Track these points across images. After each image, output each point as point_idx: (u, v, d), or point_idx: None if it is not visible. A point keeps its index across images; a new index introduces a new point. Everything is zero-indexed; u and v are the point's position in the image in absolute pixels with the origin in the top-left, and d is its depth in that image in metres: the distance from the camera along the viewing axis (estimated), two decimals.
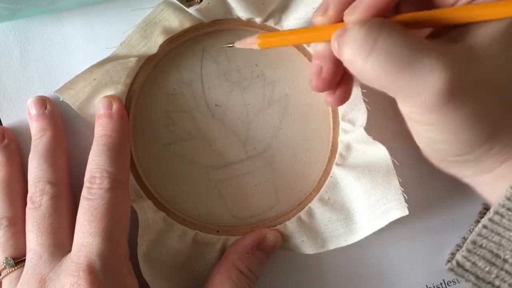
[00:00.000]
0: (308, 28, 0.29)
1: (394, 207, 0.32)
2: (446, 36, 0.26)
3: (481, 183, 0.29)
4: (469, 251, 0.29)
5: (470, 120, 0.25)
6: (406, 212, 0.32)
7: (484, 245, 0.28)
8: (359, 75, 0.26)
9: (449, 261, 0.31)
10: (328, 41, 0.27)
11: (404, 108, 0.27)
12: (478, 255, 0.29)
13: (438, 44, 0.25)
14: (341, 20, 0.27)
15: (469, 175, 0.29)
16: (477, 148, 0.26)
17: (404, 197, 0.32)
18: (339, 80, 0.29)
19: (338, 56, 0.27)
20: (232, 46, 0.30)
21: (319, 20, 0.28)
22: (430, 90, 0.24)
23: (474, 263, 0.29)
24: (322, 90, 0.29)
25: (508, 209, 0.27)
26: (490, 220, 0.28)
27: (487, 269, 0.29)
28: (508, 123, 0.26)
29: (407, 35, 0.25)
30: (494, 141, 0.26)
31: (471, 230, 0.30)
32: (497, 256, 0.28)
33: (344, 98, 0.30)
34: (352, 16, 0.26)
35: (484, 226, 0.28)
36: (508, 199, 0.26)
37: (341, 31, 0.26)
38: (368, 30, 0.25)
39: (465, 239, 0.29)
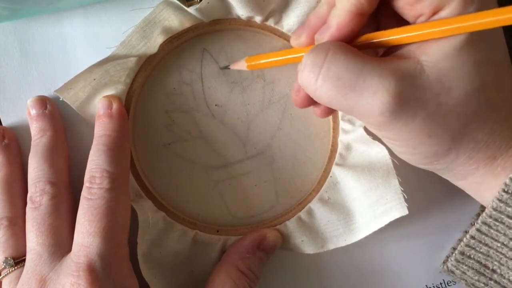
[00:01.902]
0: (286, 50, 0.31)
1: (394, 207, 0.32)
2: (400, 50, 0.27)
3: (465, 188, 0.30)
4: (457, 261, 0.29)
5: (423, 134, 0.26)
6: (406, 212, 0.32)
7: (472, 256, 0.29)
8: (314, 98, 0.27)
9: (444, 262, 0.31)
10: None
11: (366, 125, 0.28)
12: (466, 265, 0.29)
13: (386, 62, 0.26)
14: (313, 43, 0.29)
15: (450, 180, 0.30)
16: (441, 158, 0.27)
17: (404, 197, 0.32)
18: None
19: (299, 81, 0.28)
20: (228, 67, 0.34)
21: (294, 44, 0.30)
22: (375, 110, 0.25)
23: (463, 272, 0.29)
24: (303, 106, 0.31)
25: (495, 219, 0.27)
26: (478, 230, 0.28)
27: (476, 278, 0.29)
28: (469, 134, 0.26)
29: (353, 57, 0.26)
30: (458, 152, 0.27)
31: (467, 231, 0.30)
32: (485, 266, 0.29)
33: (328, 111, 0.31)
34: (321, 40, 0.27)
35: (472, 237, 0.28)
36: (495, 209, 0.27)
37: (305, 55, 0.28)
38: (315, 55, 0.26)
39: (460, 241, 0.30)
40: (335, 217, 0.33)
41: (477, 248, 0.29)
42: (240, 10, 0.33)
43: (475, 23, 0.24)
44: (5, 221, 0.31)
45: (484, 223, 0.28)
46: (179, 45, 0.34)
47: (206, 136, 0.34)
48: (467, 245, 0.29)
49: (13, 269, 0.30)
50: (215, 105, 0.35)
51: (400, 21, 0.27)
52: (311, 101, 0.30)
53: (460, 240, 0.30)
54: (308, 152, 0.35)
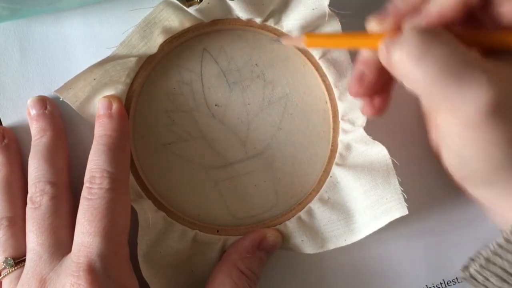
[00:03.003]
0: (358, 33, 0.28)
1: (394, 207, 0.32)
2: (497, 57, 0.26)
3: (501, 206, 0.29)
4: (482, 266, 0.29)
5: (507, 140, 0.25)
6: (406, 212, 0.32)
7: (497, 263, 0.28)
8: (405, 79, 0.26)
9: (464, 269, 0.31)
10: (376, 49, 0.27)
11: (444, 119, 0.27)
12: (490, 271, 0.29)
13: (488, 62, 0.25)
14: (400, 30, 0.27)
15: (490, 197, 0.29)
16: (507, 169, 0.26)
17: (404, 196, 0.32)
18: (379, 89, 0.29)
19: (384, 61, 0.26)
20: (278, 41, 0.31)
21: (375, 28, 0.28)
22: (474, 104, 0.24)
23: (486, 278, 0.29)
24: (361, 96, 0.29)
25: None
26: (506, 240, 0.27)
27: (498, 284, 0.29)
28: None
29: (460, 47, 0.24)
30: None
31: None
32: (510, 274, 0.28)
33: (382, 107, 0.30)
34: (413, 24, 0.26)
35: (500, 245, 0.28)
36: None
37: (392, 38, 0.26)
38: (423, 35, 0.25)
39: (479, 253, 0.29)
40: (335, 217, 0.33)
41: (503, 256, 0.28)
42: (240, 13, 0.33)
43: None
44: (5, 221, 0.31)
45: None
46: (179, 45, 0.34)
47: (206, 136, 0.34)
48: (494, 253, 0.28)
49: (13, 269, 0.30)
50: (215, 105, 0.35)
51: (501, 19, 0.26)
52: (370, 92, 0.28)
53: (486, 246, 0.29)
54: (308, 152, 0.35)
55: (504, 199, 0.28)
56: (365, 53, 0.28)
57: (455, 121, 0.26)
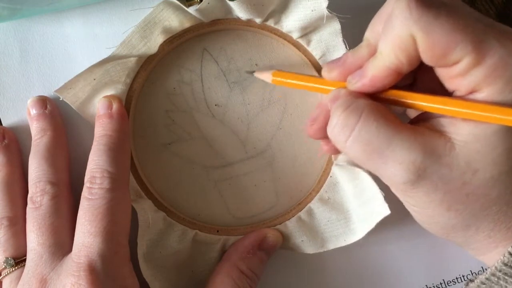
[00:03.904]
0: (316, 78, 0.30)
1: (376, 209, 0.32)
2: (432, 121, 0.27)
3: (488, 264, 0.29)
4: None
5: (443, 207, 0.26)
6: (388, 212, 0.31)
7: None
8: (342, 152, 0.28)
9: None
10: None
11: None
12: None
13: (417, 134, 0.26)
14: (344, 80, 0.29)
15: (472, 254, 0.29)
16: (459, 232, 0.27)
17: (383, 195, 0.31)
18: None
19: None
20: (252, 73, 0.33)
21: (325, 76, 0.30)
22: (398, 178, 0.26)
23: None
24: (316, 138, 0.31)
25: (505, 274, 0.27)
26: (487, 279, 0.28)
27: None
28: (491, 215, 0.26)
29: (385, 124, 0.26)
30: (477, 229, 0.27)
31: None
32: None
33: (337, 151, 0.31)
34: (353, 85, 0.27)
35: (482, 282, 0.28)
36: (505, 264, 0.27)
37: (335, 96, 0.28)
38: (347, 115, 0.26)
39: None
40: (335, 217, 0.33)
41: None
42: (240, 13, 0.33)
43: (510, 118, 0.23)
44: (6, 221, 0.31)
45: (493, 274, 0.27)
46: (179, 45, 0.34)
47: (206, 136, 0.34)
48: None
49: (13, 269, 0.30)
50: (215, 105, 0.35)
51: (435, 80, 0.26)
52: (323, 135, 0.30)
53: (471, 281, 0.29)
54: (308, 152, 0.35)
55: (472, 246, 0.28)
56: (323, 97, 0.30)
57: (392, 189, 0.27)
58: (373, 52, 0.27)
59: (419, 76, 0.29)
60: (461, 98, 0.25)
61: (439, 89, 0.26)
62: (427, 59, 0.25)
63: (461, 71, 0.24)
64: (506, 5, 0.40)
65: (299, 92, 0.35)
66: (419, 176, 0.25)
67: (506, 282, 0.27)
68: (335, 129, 0.27)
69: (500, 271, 0.27)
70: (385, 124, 0.26)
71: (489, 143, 0.25)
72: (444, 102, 0.25)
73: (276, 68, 0.32)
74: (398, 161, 0.25)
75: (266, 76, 0.32)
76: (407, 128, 0.26)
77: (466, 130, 0.25)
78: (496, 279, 0.27)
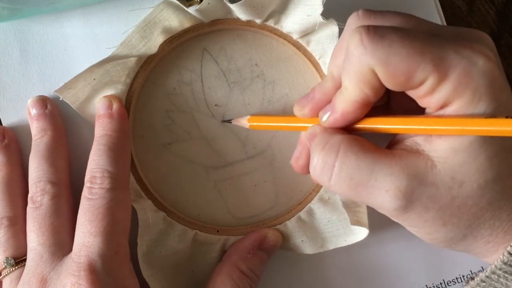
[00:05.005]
0: (291, 118, 0.31)
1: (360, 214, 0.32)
2: (408, 141, 0.27)
3: (472, 253, 0.29)
4: None
5: (438, 224, 0.26)
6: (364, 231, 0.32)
7: None
8: (330, 190, 0.28)
9: None
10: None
11: None
12: None
13: (396, 159, 0.26)
14: (317, 116, 0.29)
15: (460, 250, 0.29)
16: (459, 242, 0.27)
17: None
18: None
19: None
20: (230, 122, 0.34)
21: (297, 114, 0.30)
22: (388, 206, 0.26)
23: None
24: (304, 173, 0.31)
25: (505, 272, 0.27)
26: (487, 277, 0.28)
27: None
28: (486, 222, 0.26)
29: (364, 154, 0.26)
30: (475, 237, 0.27)
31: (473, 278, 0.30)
32: None
33: None
34: (325, 121, 0.28)
35: (482, 280, 0.28)
36: (505, 263, 0.27)
37: (312, 134, 0.28)
38: (325, 154, 0.27)
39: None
40: (335, 217, 0.33)
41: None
42: (240, 14, 0.33)
43: (483, 129, 0.23)
44: (6, 221, 0.31)
45: (494, 272, 0.27)
46: (179, 45, 0.34)
47: (206, 136, 0.34)
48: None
49: (13, 268, 0.30)
50: (215, 105, 0.35)
51: (409, 97, 0.26)
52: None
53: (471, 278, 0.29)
54: None
55: (473, 252, 0.28)
56: (302, 135, 0.30)
57: (385, 214, 0.27)
58: (338, 85, 0.27)
59: (392, 96, 0.30)
60: (433, 115, 0.25)
61: (414, 105, 0.26)
62: (391, 87, 0.25)
63: (427, 90, 0.24)
64: (506, 5, 0.40)
65: (299, 92, 0.35)
66: (408, 200, 0.25)
67: (507, 279, 0.27)
68: (316, 169, 0.27)
69: (500, 269, 0.27)
70: (364, 155, 0.26)
71: (469, 154, 0.25)
72: (416, 122, 0.26)
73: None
74: (384, 189, 0.25)
75: (243, 122, 0.33)
76: (386, 154, 0.26)
77: (443, 146, 0.25)
78: (496, 277, 0.27)
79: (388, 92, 0.27)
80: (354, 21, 0.27)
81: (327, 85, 0.29)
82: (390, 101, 0.30)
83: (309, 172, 0.30)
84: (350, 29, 0.27)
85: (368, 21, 0.27)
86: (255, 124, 0.33)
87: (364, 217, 0.32)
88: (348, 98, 0.26)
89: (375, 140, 0.27)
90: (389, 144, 0.29)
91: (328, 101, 0.28)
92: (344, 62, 0.26)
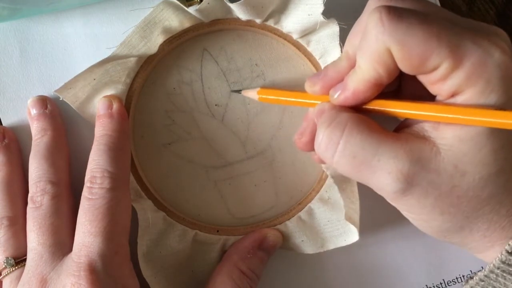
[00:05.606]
0: (301, 93, 0.31)
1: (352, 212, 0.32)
2: (416, 126, 0.27)
3: (468, 248, 0.29)
4: None
5: (436, 211, 0.26)
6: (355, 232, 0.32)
7: None
8: (332, 166, 0.28)
9: None
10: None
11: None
12: None
13: (402, 142, 0.26)
14: (327, 93, 0.29)
15: (470, 252, 0.29)
16: (454, 234, 0.27)
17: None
18: None
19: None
20: (240, 92, 0.34)
21: (308, 90, 0.30)
22: (388, 187, 0.26)
23: None
24: (306, 150, 0.31)
25: (503, 271, 0.27)
26: (486, 276, 0.28)
27: None
28: (484, 215, 0.26)
29: (369, 135, 0.26)
30: (471, 230, 0.27)
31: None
32: None
33: None
34: (335, 99, 0.28)
35: (481, 280, 0.28)
36: (503, 262, 0.27)
37: (320, 110, 0.28)
38: (331, 131, 0.27)
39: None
40: (335, 217, 0.33)
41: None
42: (240, 14, 0.33)
43: (491, 120, 0.23)
44: (6, 220, 0.31)
45: (492, 271, 0.27)
46: (179, 45, 0.34)
47: (206, 136, 0.35)
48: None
49: (13, 268, 0.30)
50: (215, 105, 0.35)
51: (420, 85, 0.26)
52: (312, 148, 0.30)
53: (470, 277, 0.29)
54: (308, 152, 0.35)
55: (469, 246, 0.28)
56: (310, 110, 0.30)
57: (384, 197, 0.27)
58: (352, 64, 0.27)
59: (404, 82, 0.29)
60: (443, 103, 0.25)
61: (424, 93, 0.26)
62: (405, 69, 0.25)
63: (440, 76, 0.24)
64: (506, 5, 0.40)
65: None
66: (409, 184, 0.25)
67: (505, 279, 0.27)
68: (321, 146, 0.27)
69: (498, 268, 0.27)
70: (369, 135, 0.26)
71: (475, 145, 0.25)
72: (426, 108, 0.25)
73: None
74: (386, 171, 0.25)
75: (252, 94, 0.33)
76: (392, 136, 0.26)
77: (450, 134, 0.25)
78: (494, 276, 0.27)
79: (399, 78, 0.27)
80: (374, 2, 0.27)
81: (341, 64, 0.29)
82: (401, 88, 0.30)
83: (311, 149, 0.30)
84: (370, 9, 0.27)
85: (388, 3, 0.26)
86: (264, 96, 0.32)
87: (356, 216, 0.32)
88: (362, 77, 0.26)
89: (383, 124, 0.27)
90: (396, 128, 0.29)
91: (340, 80, 0.28)
92: (360, 41, 0.26)
